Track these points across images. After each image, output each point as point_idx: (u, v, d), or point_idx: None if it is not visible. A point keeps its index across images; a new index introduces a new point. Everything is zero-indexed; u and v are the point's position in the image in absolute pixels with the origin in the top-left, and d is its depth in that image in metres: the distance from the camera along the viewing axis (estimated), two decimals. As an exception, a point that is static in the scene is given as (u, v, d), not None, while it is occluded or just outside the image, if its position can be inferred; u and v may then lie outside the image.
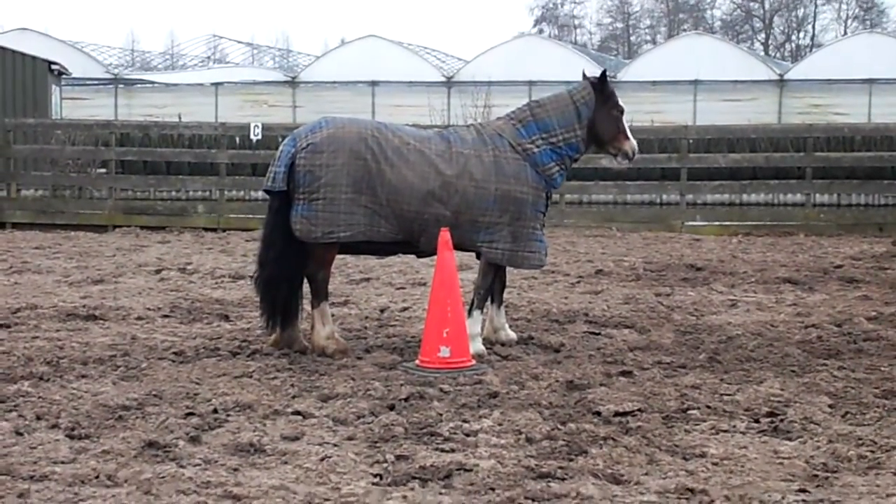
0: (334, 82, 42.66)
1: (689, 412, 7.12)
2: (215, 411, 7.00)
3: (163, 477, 5.65)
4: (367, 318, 10.86)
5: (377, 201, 8.87)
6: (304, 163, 8.84)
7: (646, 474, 5.86)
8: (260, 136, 21.93)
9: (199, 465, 5.92)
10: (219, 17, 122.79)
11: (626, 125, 9.74)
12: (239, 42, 67.88)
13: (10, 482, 5.57)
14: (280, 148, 9.10)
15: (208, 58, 66.28)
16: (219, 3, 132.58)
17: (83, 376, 8.02)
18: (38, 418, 6.80)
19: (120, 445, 6.21)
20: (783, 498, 5.44)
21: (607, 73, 9.85)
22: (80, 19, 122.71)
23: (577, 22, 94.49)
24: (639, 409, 7.13)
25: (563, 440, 6.42)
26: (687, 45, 43.62)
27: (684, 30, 77.83)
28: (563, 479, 5.75)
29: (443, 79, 42.65)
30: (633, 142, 9.69)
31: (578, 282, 13.66)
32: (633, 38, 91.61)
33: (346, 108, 36.64)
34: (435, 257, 8.70)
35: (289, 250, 8.96)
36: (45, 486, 5.55)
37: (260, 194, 21.23)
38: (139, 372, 8.22)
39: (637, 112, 27.93)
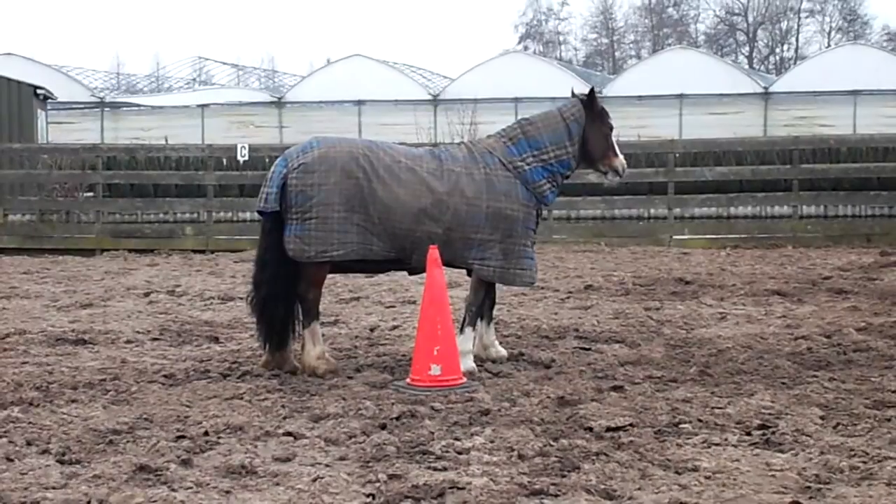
0: (320, 102, 42.68)
1: (681, 426, 7.12)
2: (206, 434, 6.98)
3: (154, 501, 5.62)
4: (357, 337, 10.85)
5: (369, 220, 8.87)
6: (296, 183, 8.83)
7: (639, 489, 5.86)
8: (247, 157, 21.95)
9: (191, 488, 5.90)
10: (204, 40, 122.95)
11: (615, 141, 9.77)
12: (224, 63, 67.78)
13: (2, 509, 5.54)
14: (272, 169, 9.10)
15: (194, 80, 66.25)
16: (204, 25, 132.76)
17: (73, 401, 7.99)
18: (29, 444, 6.77)
19: (111, 470, 6.18)
20: (776, 510, 5.45)
21: (595, 90, 9.87)
22: (66, 44, 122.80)
23: (561, 38, 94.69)
24: (630, 424, 7.12)
25: (556, 456, 6.41)
26: (671, 60, 43.78)
27: (668, 44, 78.13)
28: (556, 496, 5.74)
29: (429, 97, 42.69)
30: (622, 158, 9.74)
31: (568, 297, 13.67)
32: (617, 54, 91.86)
33: (333, 127, 36.66)
34: (425, 275, 8.70)
35: (283, 271, 8.95)
36: (37, 512, 5.53)
37: (248, 215, 21.31)
38: (129, 396, 8.19)
39: (623, 127, 27.80)
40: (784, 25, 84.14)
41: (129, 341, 10.66)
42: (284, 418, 7.46)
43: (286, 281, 8.98)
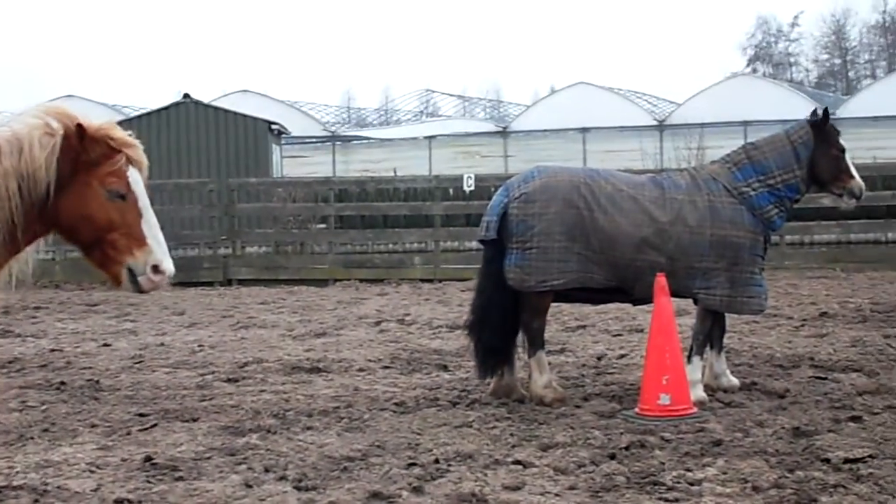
0: (545, 130, 42.89)
1: (925, 459, 6.83)
2: (437, 461, 7.06)
3: (387, 527, 5.72)
4: (584, 365, 10.80)
5: (590, 248, 8.84)
6: (517, 212, 8.89)
7: (880, 524, 5.64)
8: (473, 187, 22.18)
9: (422, 515, 5.97)
10: (431, 72, 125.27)
11: (851, 164, 9.47)
12: (450, 95, 68.99)
13: (242, 532, 5.72)
14: (493, 198, 9.19)
15: (421, 112, 67.51)
16: (431, 58, 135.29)
17: (308, 428, 8.20)
18: (267, 470, 6.97)
19: (346, 496, 6.32)
20: None
21: (826, 111, 9.60)
22: (299, 80, 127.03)
23: (792, 59, 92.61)
24: (870, 456, 6.87)
25: (792, 489, 6.24)
26: (908, 78, 42.28)
27: (905, 62, 75.39)
28: (793, 530, 5.58)
29: (654, 122, 42.39)
30: (859, 180, 9.43)
31: (802, 325, 13.30)
32: (851, 74, 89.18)
33: (557, 155, 36.77)
34: (651, 303, 8.60)
35: (500, 298, 9.01)
36: (275, 536, 5.69)
37: (474, 245, 21.45)
38: (362, 423, 8.36)
39: (857, 149, 27.00)
40: None
41: (361, 369, 10.88)
42: (513, 447, 7.48)
43: (503, 309, 9.02)
